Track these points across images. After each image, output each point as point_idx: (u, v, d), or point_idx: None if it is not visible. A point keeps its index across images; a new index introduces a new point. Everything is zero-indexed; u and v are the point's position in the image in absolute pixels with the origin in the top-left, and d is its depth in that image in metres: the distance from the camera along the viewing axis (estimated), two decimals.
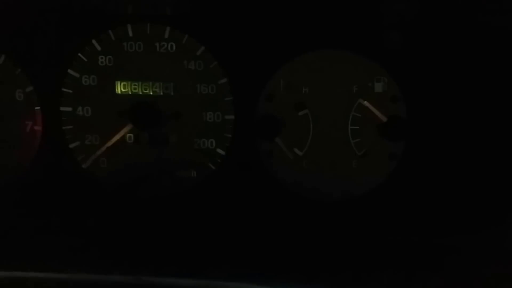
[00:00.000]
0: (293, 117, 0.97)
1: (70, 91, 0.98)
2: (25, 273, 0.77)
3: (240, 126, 0.98)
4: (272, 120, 0.97)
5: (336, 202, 0.98)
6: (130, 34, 0.97)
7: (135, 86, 0.98)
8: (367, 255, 0.88)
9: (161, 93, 0.97)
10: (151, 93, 0.97)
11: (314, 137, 0.98)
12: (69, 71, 0.97)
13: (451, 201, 0.96)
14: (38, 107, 0.98)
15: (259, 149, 0.98)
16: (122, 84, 0.98)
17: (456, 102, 0.97)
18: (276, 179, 0.99)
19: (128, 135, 0.99)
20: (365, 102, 0.96)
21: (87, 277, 0.78)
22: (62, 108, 0.99)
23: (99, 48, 0.97)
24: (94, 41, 0.97)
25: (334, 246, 0.91)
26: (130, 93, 0.97)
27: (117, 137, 0.98)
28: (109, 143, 0.98)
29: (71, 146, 0.99)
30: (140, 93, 0.98)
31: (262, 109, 0.97)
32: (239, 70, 0.96)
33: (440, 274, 0.80)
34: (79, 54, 0.97)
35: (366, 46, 0.94)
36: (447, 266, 0.82)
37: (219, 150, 0.99)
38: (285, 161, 0.98)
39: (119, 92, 0.98)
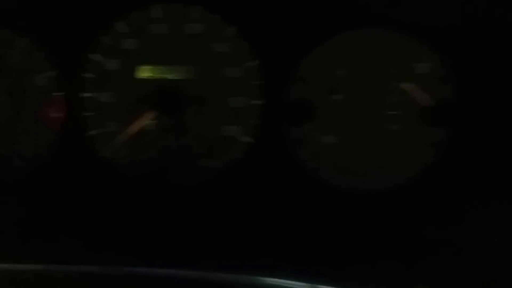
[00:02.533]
0: (326, 102, 0.93)
1: (93, 76, 0.96)
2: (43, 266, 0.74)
3: (268, 112, 0.94)
4: (303, 105, 0.93)
5: (371, 194, 0.92)
6: (156, 15, 0.94)
7: (159, 70, 0.95)
8: (404, 250, 0.82)
9: (185, 77, 0.94)
10: (175, 78, 0.94)
11: (350, 123, 0.94)
12: (92, 55, 0.95)
13: (497, 194, 0.88)
14: (60, 93, 0.96)
15: (289, 137, 0.94)
16: (145, 68, 0.95)
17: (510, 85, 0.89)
18: (306, 169, 0.94)
19: (150, 122, 0.96)
20: (407, 84, 0.91)
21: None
22: (84, 94, 0.96)
23: (122, 30, 0.95)
24: (118, 24, 0.95)
25: (369, 240, 0.85)
26: (153, 77, 0.95)
27: (138, 124, 0.95)
28: (131, 130, 0.95)
29: (91, 133, 0.96)
30: (164, 77, 0.95)
31: (292, 93, 0.93)
32: (270, 52, 0.92)
33: (481, 271, 0.73)
34: (103, 38, 0.95)
35: (409, 23, 0.89)
36: (488, 263, 0.75)
37: (245, 138, 0.94)
38: (317, 150, 0.94)
39: (142, 76, 0.95)
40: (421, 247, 0.81)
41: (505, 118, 0.89)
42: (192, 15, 0.94)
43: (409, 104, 0.91)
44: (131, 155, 0.96)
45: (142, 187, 0.96)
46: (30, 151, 0.97)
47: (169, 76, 0.95)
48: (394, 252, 0.81)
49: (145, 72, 0.96)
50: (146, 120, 0.95)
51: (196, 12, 0.94)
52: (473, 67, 0.89)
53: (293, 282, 0.70)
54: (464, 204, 0.87)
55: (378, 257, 0.79)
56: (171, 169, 0.96)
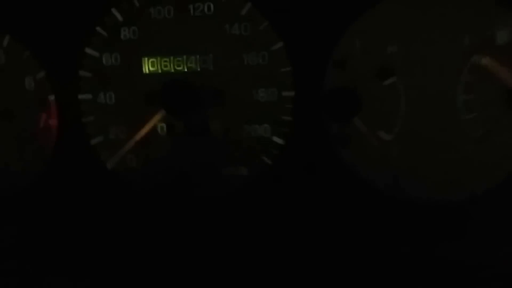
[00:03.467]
0: (375, 89, 0.81)
1: (89, 75, 0.88)
2: None
3: (303, 105, 0.83)
4: (347, 95, 0.80)
5: (439, 206, 0.80)
6: None
7: (166, 63, 0.86)
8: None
9: (198, 69, 0.85)
10: (186, 70, 0.86)
11: (408, 115, 0.81)
12: (87, 49, 0.87)
13: None
14: (52, 96, 0.89)
15: (330, 135, 0.83)
16: (150, 61, 0.87)
17: None
18: (353, 174, 0.83)
19: (160, 124, 0.87)
20: (485, 59, 0.76)
21: None
22: (80, 96, 0.89)
23: (120, 18, 0.86)
24: (114, 10, 0.86)
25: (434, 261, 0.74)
26: (160, 71, 0.86)
27: (147, 128, 0.87)
28: (138, 136, 0.87)
29: (92, 142, 0.89)
30: (173, 70, 0.86)
31: (331, 80, 0.82)
32: (298, 30, 0.82)
33: None
34: (98, 28, 0.87)
35: None
36: None
37: (276, 139, 0.85)
38: (367, 150, 0.82)
39: (147, 71, 0.87)
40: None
41: None
42: None
43: (490, 86, 0.76)
44: (141, 166, 0.89)
45: (157, 203, 0.89)
46: (25, 167, 0.90)
47: (179, 68, 0.86)
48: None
49: (150, 66, 0.87)
50: (155, 123, 0.87)
51: None
52: None
53: None
54: None
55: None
56: (189, 180, 0.88)
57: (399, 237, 0.78)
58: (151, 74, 0.86)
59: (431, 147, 0.79)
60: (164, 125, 0.86)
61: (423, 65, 0.79)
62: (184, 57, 0.85)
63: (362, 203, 0.81)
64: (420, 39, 0.79)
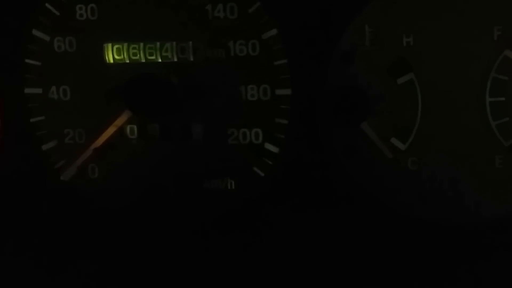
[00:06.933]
0: (388, 88, 0.74)
1: (38, 63, 0.79)
2: None
3: (301, 106, 0.75)
4: (355, 94, 0.73)
5: (462, 227, 0.74)
6: None
7: (135, 50, 0.77)
8: None
9: (175, 59, 0.77)
10: (159, 60, 0.77)
11: (426, 120, 0.74)
12: (34, 32, 0.78)
13: None
14: None
15: (335, 143, 0.75)
16: (114, 47, 0.77)
17: None
18: (362, 189, 0.76)
19: (129, 126, 0.78)
20: None
21: None
22: (27, 90, 0.79)
23: None
24: None
25: None
26: (127, 61, 0.77)
27: (111, 130, 0.78)
28: (100, 141, 0.78)
29: (44, 148, 0.80)
30: (143, 60, 0.77)
31: (336, 76, 0.74)
32: (296, 14, 0.74)
33: None
34: (47, 5, 0.77)
35: None
36: None
37: (269, 146, 0.77)
38: (378, 160, 0.75)
39: (111, 60, 0.78)
40: None
41: None
42: None
43: None
44: (105, 178, 0.81)
45: (124, 224, 0.80)
46: None
47: (151, 58, 0.77)
48: None
49: (115, 54, 0.78)
50: (122, 124, 0.78)
51: None
52: None
53: None
54: None
55: None
56: (164, 196, 0.79)
57: (413, 259, 0.72)
58: (116, 64, 0.76)
59: (454, 158, 0.73)
60: (133, 127, 0.77)
61: (444, 60, 0.73)
62: (158, 44, 0.76)
63: (372, 223, 0.74)
64: (441, 29, 0.72)
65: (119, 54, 0.77)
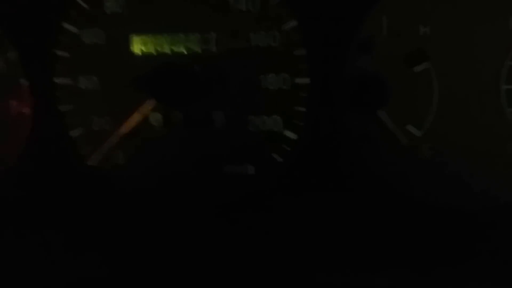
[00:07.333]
0: (405, 77, 0.75)
1: (67, 54, 0.81)
2: None
3: (320, 94, 0.76)
4: (372, 83, 0.75)
5: (476, 213, 0.74)
6: None
7: (160, 42, 0.79)
8: None
9: (198, 50, 0.79)
10: (184, 51, 0.79)
11: (442, 107, 0.75)
12: (64, 24, 0.80)
13: None
14: (25, 80, 0.82)
15: (351, 130, 0.77)
16: (140, 39, 0.80)
17: None
18: (378, 175, 0.77)
19: (153, 114, 0.80)
20: None
21: None
22: (56, 80, 0.81)
23: None
24: None
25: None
26: (153, 52, 0.79)
27: (137, 118, 0.80)
28: (126, 128, 0.80)
29: (72, 134, 0.82)
30: (168, 51, 0.79)
31: (354, 66, 0.76)
32: (315, 6, 0.75)
33: None
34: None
35: None
36: None
37: (288, 133, 0.79)
38: (394, 147, 0.76)
39: (138, 51, 0.80)
40: None
41: None
42: None
43: None
44: (130, 163, 0.82)
45: (147, 207, 0.81)
46: None
47: (177, 50, 0.79)
48: None
49: (141, 45, 0.80)
50: (146, 113, 0.80)
51: None
52: None
53: None
54: None
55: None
56: (185, 181, 0.81)
57: (422, 244, 0.74)
58: (142, 55, 0.78)
59: (468, 145, 0.74)
60: (158, 115, 0.79)
61: (460, 49, 0.74)
62: (182, 36, 0.78)
63: (387, 209, 0.75)
64: (457, 19, 0.73)
65: (145, 46, 0.79)
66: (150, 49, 0.79)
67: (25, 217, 0.81)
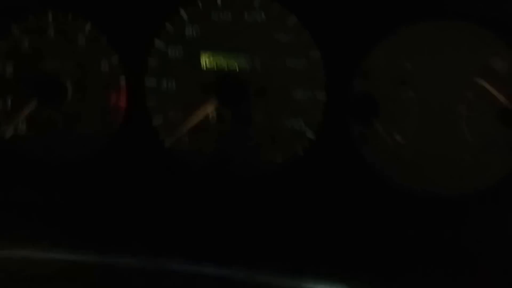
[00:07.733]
0: (394, 98, 0.87)
1: (156, 63, 0.94)
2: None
3: (333, 106, 0.89)
4: (368, 101, 0.87)
5: (440, 200, 0.85)
6: (219, 2, 0.92)
7: (221, 59, 0.92)
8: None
9: (247, 66, 0.91)
10: (237, 66, 0.92)
11: (418, 122, 0.87)
12: (156, 41, 0.93)
13: None
14: (123, 79, 0.95)
15: (353, 134, 0.89)
16: (207, 56, 0.93)
17: None
18: (371, 168, 0.88)
19: (211, 113, 0.93)
20: (483, 81, 0.82)
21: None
22: (147, 81, 0.94)
23: (186, 17, 0.93)
24: (181, 10, 0.93)
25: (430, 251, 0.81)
26: (215, 66, 0.92)
27: (200, 114, 0.92)
28: (193, 120, 0.93)
29: (154, 123, 0.95)
30: (226, 66, 0.92)
31: (357, 87, 0.88)
32: (333, 43, 0.88)
33: None
34: (167, 24, 0.93)
35: (484, 15, 0.81)
36: None
37: (309, 133, 0.91)
38: (383, 149, 0.88)
39: (205, 65, 0.93)
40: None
41: None
42: (252, 3, 0.91)
43: (487, 104, 0.83)
44: (194, 146, 0.95)
45: (204, 180, 0.95)
46: (92, 139, 0.97)
47: (232, 66, 0.92)
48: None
49: (208, 61, 0.93)
50: (208, 110, 0.92)
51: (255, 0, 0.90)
52: None
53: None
54: None
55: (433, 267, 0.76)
56: (231, 160, 0.94)
57: (397, 228, 0.85)
58: (207, 67, 0.93)
59: (438, 152, 0.86)
60: (214, 113, 0.93)
61: (433, 82, 0.85)
62: (237, 56, 0.91)
63: (377, 195, 0.88)
64: (431, 61, 0.85)
65: (210, 61, 0.92)
66: (213, 63, 0.92)
67: (113, 181, 0.94)
